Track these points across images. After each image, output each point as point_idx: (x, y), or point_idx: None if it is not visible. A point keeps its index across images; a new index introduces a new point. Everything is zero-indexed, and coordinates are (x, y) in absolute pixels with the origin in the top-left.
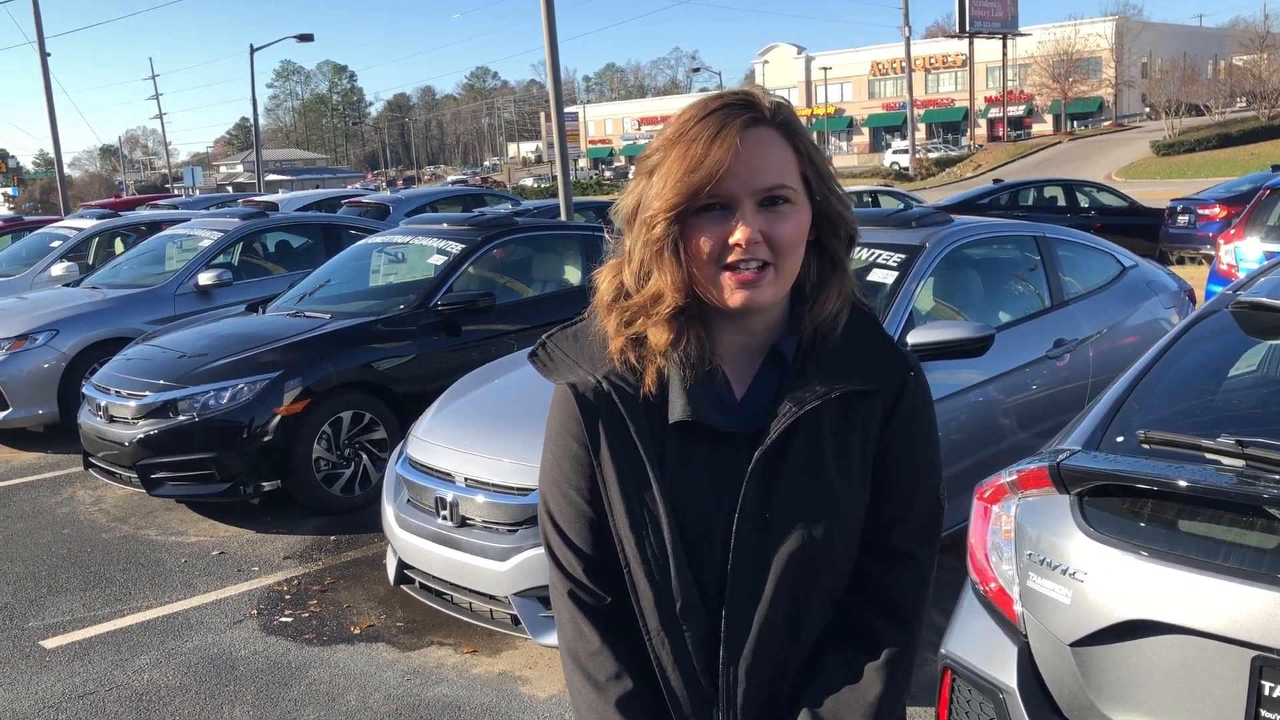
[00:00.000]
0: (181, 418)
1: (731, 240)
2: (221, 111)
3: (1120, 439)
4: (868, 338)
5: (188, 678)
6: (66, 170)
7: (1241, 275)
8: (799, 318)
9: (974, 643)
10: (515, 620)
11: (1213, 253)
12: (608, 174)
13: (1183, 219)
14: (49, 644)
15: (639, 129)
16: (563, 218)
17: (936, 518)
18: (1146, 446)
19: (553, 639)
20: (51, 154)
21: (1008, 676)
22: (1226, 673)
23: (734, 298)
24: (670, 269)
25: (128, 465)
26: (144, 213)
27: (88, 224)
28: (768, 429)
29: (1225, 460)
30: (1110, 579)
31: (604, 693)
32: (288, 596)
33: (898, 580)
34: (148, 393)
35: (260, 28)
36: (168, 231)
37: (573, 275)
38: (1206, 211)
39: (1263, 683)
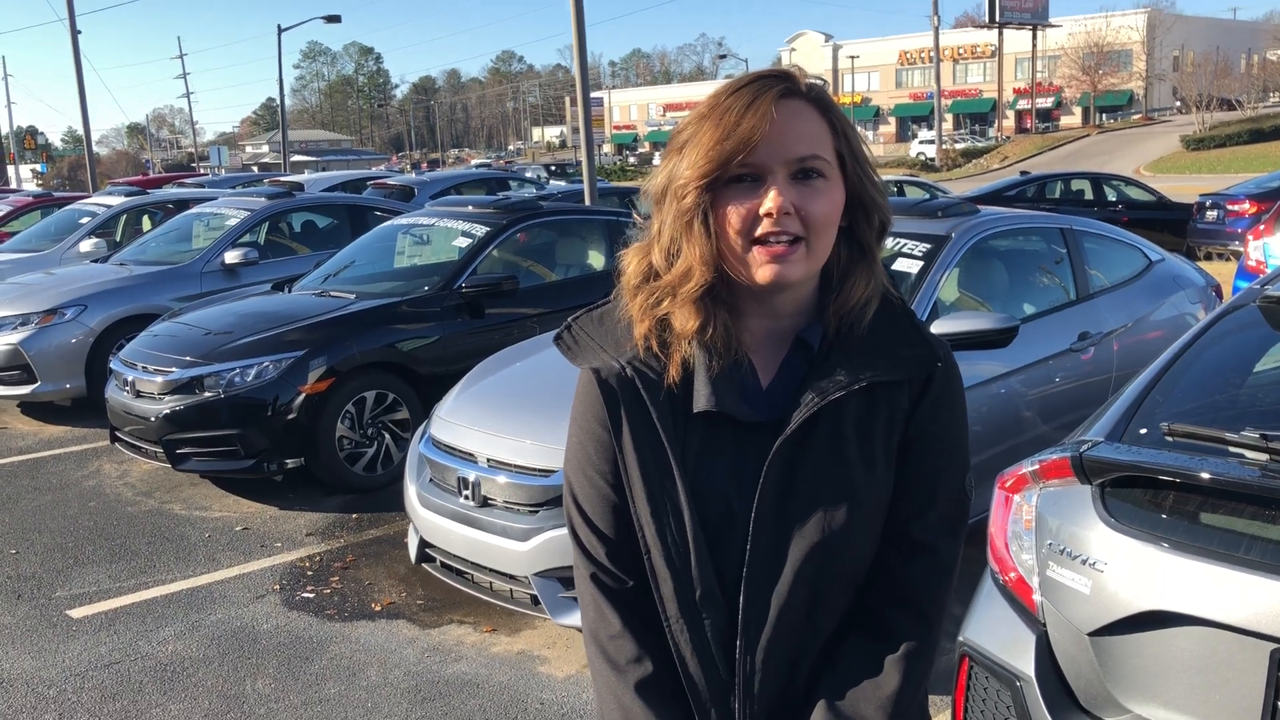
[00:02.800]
0: (207, 394)
1: (762, 210)
2: (248, 91)
3: (1143, 431)
4: (896, 327)
5: (211, 650)
6: (94, 148)
7: (1270, 271)
8: (826, 306)
9: (992, 631)
10: (535, 600)
11: (1241, 249)
12: (631, 160)
13: (1211, 214)
14: (75, 614)
15: (664, 115)
16: (587, 203)
17: (962, 510)
18: (1170, 439)
19: (572, 619)
20: (80, 131)
21: (1025, 665)
22: (1245, 665)
23: (764, 272)
24: (700, 242)
25: (153, 440)
26: (171, 191)
27: (116, 201)
28: (790, 418)
29: (1249, 454)
30: (1130, 570)
31: (624, 675)
32: (310, 573)
33: (919, 572)
34: (174, 369)
35: (288, 8)
36: (195, 210)
37: (596, 260)
38: (1235, 207)
39: None
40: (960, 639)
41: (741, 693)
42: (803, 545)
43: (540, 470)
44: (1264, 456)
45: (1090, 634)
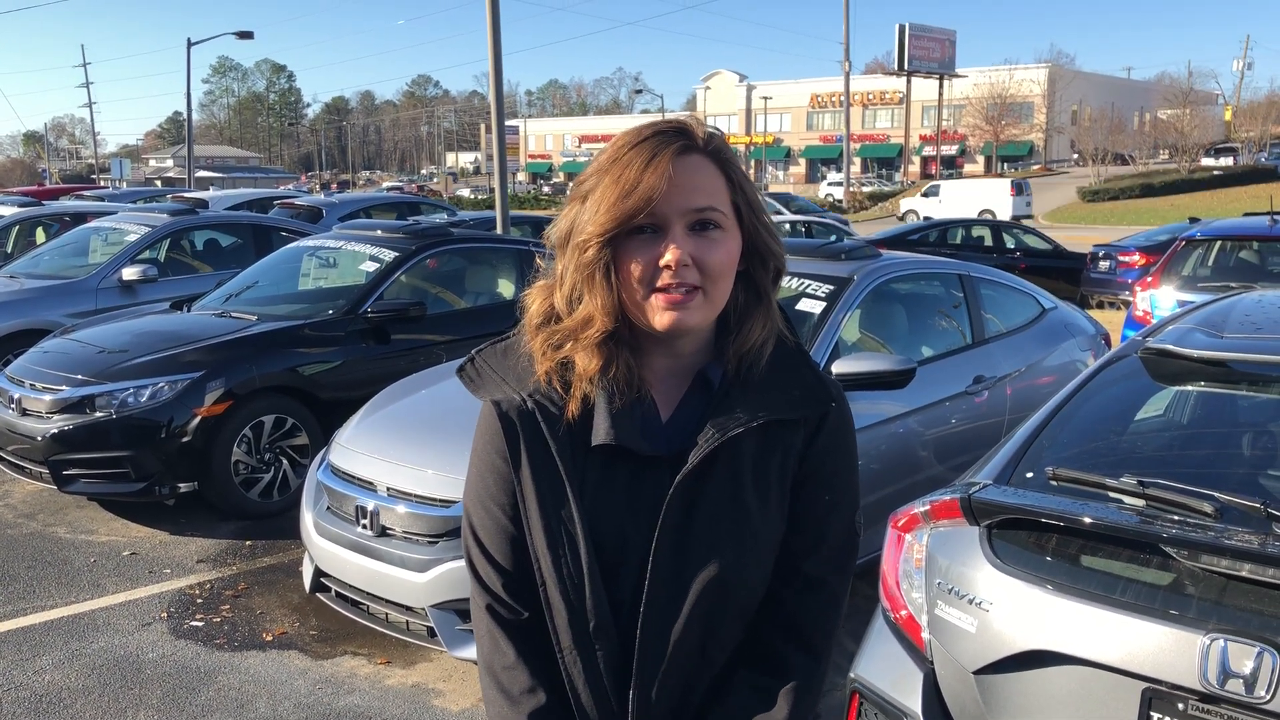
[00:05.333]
0: (98, 414)
1: (661, 262)
2: (154, 104)
3: (1030, 475)
4: (792, 367)
5: (91, 680)
6: None
7: (1154, 322)
8: (725, 347)
9: (882, 668)
10: (431, 632)
11: (1131, 298)
12: (546, 189)
13: (1104, 264)
14: None
15: (579, 146)
16: (498, 231)
17: (851, 547)
18: (1054, 483)
19: (468, 652)
20: None
21: (913, 702)
22: (1118, 703)
23: (662, 319)
24: (601, 293)
25: (39, 460)
26: (68, 203)
27: (8, 211)
28: (689, 454)
29: (1127, 499)
30: (1014, 610)
31: (517, 706)
32: (199, 600)
33: (810, 607)
34: (64, 387)
35: (199, 21)
36: (93, 223)
37: (506, 288)
38: (1127, 258)
39: (1151, 714)
40: (851, 675)
41: None
42: (700, 580)
43: (441, 500)
44: (1141, 502)
45: (975, 672)
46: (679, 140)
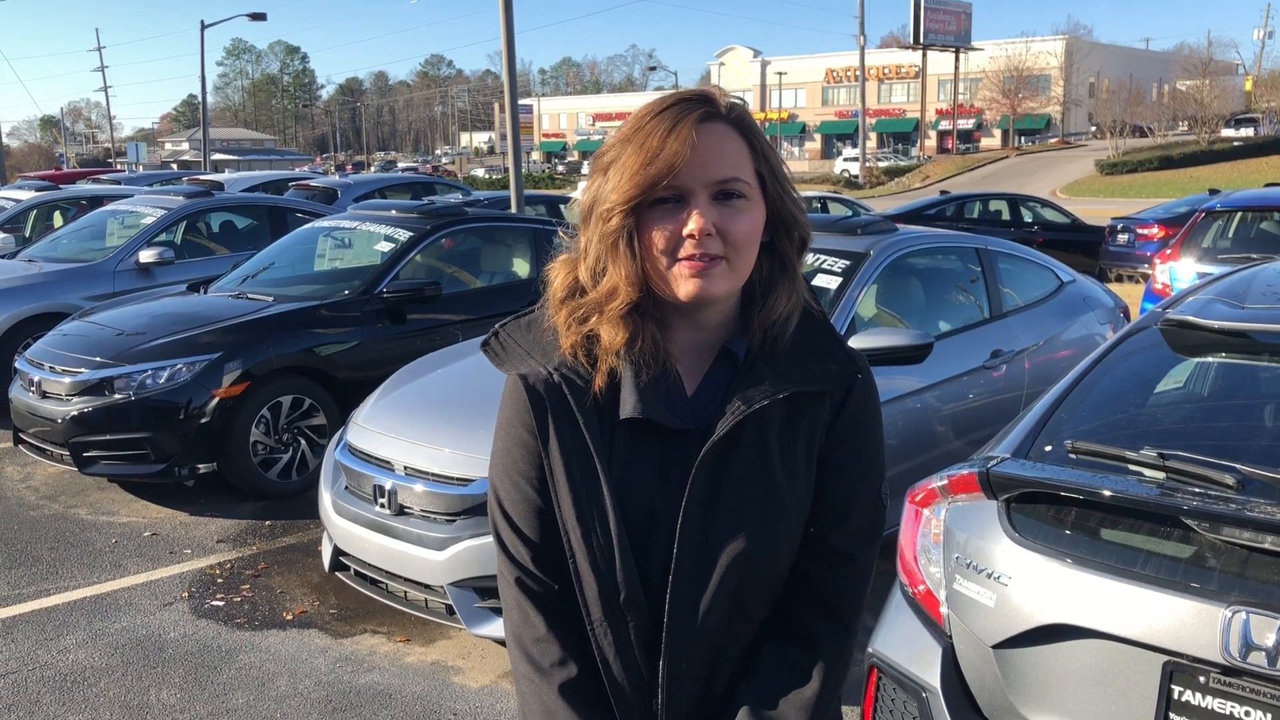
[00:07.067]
0: (117, 396)
1: (685, 232)
2: (169, 87)
3: (1048, 448)
4: (818, 339)
5: (114, 659)
6: (5, 140)
7: (1174, 294)
8: (750, 319)
9: (900, 643)
10: (450, 610)
11: (1149, 271)
12: (560, 168)
13: (1123, 237)
14: None
15: (593, 124)
16: (513, 210)
17: (878, 519)
18: (1073, 456)
19: (487, 629)
20: None
21: (931, 676)
22: (1139, 677)
23: (686, 287)
24: (625, 262)
25: (60, 442)
26: (85, 186)
27: (26, 195)
28: (716, 426)
29: (1147, 472)
30: (1033, 584)
31: (548, 678)
32: (220, 580)
33: (837, 580)
34: (83, 369)
35: (212, 4)
36: (109, 207)
37: (521, 268)
38: (1145, 231)
39: (1172, 687)
40: (870, 650)
41: (664, 693)
42: (727, 552)
43: (458, 479)
44: (1161, 475)
45: (994, 646)
46: (701, 108)
